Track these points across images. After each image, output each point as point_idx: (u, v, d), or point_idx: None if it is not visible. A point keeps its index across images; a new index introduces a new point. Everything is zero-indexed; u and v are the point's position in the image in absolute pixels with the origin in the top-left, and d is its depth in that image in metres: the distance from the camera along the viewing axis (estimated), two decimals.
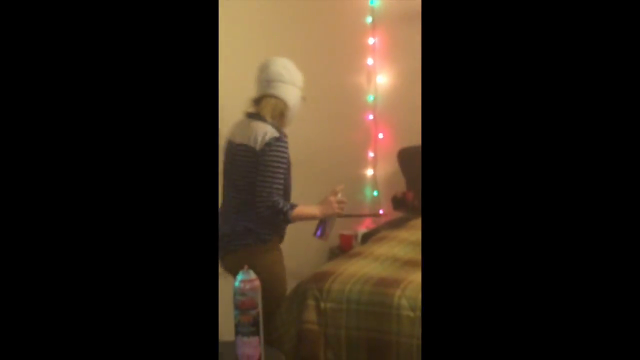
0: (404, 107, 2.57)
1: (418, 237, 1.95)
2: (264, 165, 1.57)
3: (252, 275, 1.21)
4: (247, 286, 1.19)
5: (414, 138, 2.31)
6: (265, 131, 1.58)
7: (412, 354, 1.53)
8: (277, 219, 1.57)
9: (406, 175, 2.58)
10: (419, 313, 1.52)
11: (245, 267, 1.24)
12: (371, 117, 2.73)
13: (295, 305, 1.65)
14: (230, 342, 1.24)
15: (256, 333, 1.20)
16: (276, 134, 1.57)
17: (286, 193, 1.65)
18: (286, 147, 1.58)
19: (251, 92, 1.75)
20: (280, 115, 1.64)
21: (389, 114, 2.72)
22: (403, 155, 2.57)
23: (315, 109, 2.05)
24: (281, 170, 1.58)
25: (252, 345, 1.20)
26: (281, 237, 1.67)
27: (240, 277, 1.20)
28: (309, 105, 1.90)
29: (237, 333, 1.20)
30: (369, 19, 2.64)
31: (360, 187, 2.75)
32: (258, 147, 1.55)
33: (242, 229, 1.59)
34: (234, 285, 1.20)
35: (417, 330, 1.50)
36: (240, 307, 1.19)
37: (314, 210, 1.64)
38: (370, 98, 2.70)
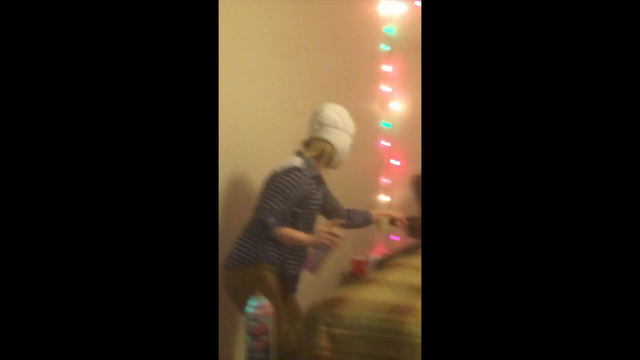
0: (419, 132, 2.56)
1: None
2: (272, 186, 1.63)
3: (265, 301, 1.20)
4: (260, 312, 1.19)
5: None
6: (292, 161, 1.65)
7: None
8: (262, 233, 1.59)
9: (418, 194, 2.57)
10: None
11: (257, 292, 1.24)
12: (388, 143, 2.74)
13: (307, 330, 1.63)
14: None
15: (267, 359, 1.21)
16: (297, 165, 1.62)
17: (290, 222, 1.65)
18: (301, 179, 1.61)
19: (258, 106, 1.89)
20: (328, 159, 1.71)
21: (404, 141, 2.74)
22: (417, 181, 2.55)
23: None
24: (282, 197, 1.60)
25: None
26: (274, 263, 1.66)
27: (253, 303, 1.20)
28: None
29: (249, 359, 1.21)
30: (384, 47, 2.67)
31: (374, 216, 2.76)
32: (279, 171, 1.62)
33: (238, 247, 1.68)
34: (246, 311, 1.21)
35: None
36: (253, 333, 1.19)
37: (302, 236, 1.63)
38: (384, 124, 2.71)
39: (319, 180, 1.77)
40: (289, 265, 1.73)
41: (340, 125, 1.74)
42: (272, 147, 2.14)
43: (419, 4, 2.53)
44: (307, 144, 1.75)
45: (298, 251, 1.72)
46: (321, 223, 1.74)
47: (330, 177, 2.05)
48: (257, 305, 1.21)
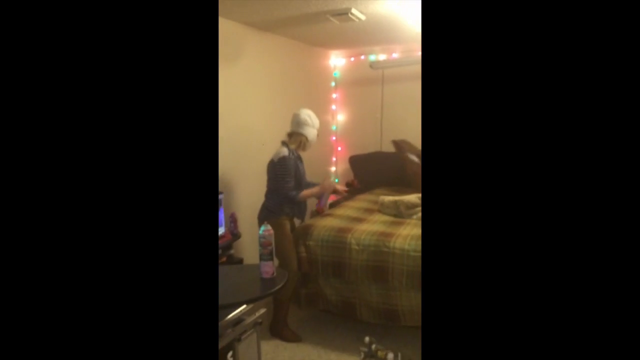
0: (354, 132, 4.13)
1: (361, 205, 3.00)
2: (277, 174, 2.35)
3: (269, 227, 1.76)
4: (266, 233, 1.73)
5: (358, 150, 3.93)
6: (280, 151, 2.36)
7: (357, 270, 2.32)
8: (292, 202, 2.38)
9: (353, 171, 3.91)
10: (362, 247, 2.31)
11: (265, 222, 1.85)
12: (334, 138, 4.23)
13: (295, 243, 2.47)
14: (256, 264, 1.79)
15: (271, 259, 1.72)
16: (285, 153, 2.33)
17: (299, 184, 2.41)
18: (288, 163, 2.31)
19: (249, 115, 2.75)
20: (302, 145, 2.45)
21: (344, 136, 4.20)
22: (351, 160, 3.96)
23: None
24: (288, 177, 2.33)
25: (269, 266, 1.72)
26: (288, 215, 2.41)
27: (262, 227, 1.76)
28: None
29: (260, 260, 1.73)
30: (333, 83, 4.17)
31: (327, 177, 4.12)
32: (275, 160, 2.37)
33: (265, 207, 2.43)
34: (259, 233, 1.75)
35: (361, 255, 2.31)
36: (263, 245, 1.72)
37: (315, 190, 2.46)
38: (333, 128, 4.23)
39: (300, 160, 2.44)
40: (295, 214, 2.47)
41: (309, 123, 2.41)
42: (265, 142, 2.97)
43: (353, 59, 4.07)
44: (290, 135, 2.43)
45: (300, 206, 2.46)
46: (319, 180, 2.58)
47: (305, 157, 2.61)
48: (265, 229, 1.74)
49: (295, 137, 2.43)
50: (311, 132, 2.44)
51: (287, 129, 2.48)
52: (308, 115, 2.44)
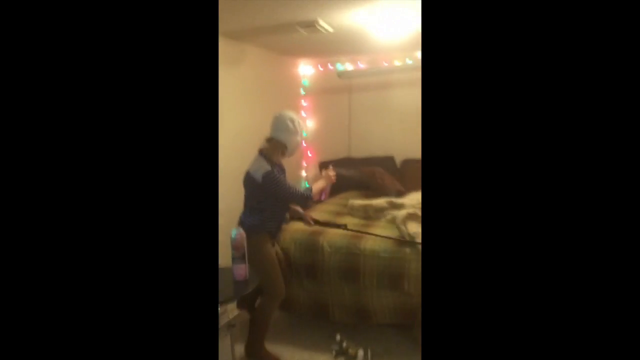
0: (323, 138, 4.20)
1: (332, 208, 3.02)
2: (274, 190, 2.06)
3: (241, 230, 1.80)
4: (238, 237, 1.78)
5: (328, 156, 4.01)
6: (260, 166, 2.06)
7: (330, 271, 2.36)
8: (308, 202, 2.23)
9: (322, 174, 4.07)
10: (334, 249, 2.35)
11: (237, 226, 1.87)
12: (304, 144, 4.29)
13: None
14: (228, 267, 1.81)
15: (244, 262, 1.78)
16: (268, 167, 2.04)
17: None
18: (277, 175, 2.06)
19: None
20: (279, 153, 2.13)
21: (314, 142, 4.28)
22: (321, 165, 4.02)
23: None
24: (284, 183, 2.09)
25: (241, 269, 1.77)
26: (270, 232, 2.15)
27: (234, 231, 1.79)
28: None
29: (233, 263, 1.77)
30: (302, 91, 4.27)
31: (298, 182, 4.22)
32: (260, 180, 2.04)
33: (248, 224, 2.10)
34: (231, 237, 1.77)
35: (333, 257, 2.35)
36: (235, 248, 1.77)
37: (321, 184, 2.26)
38: (304, 134, 4.38)
39: (283, 172, 2.23)
40: (274, 228, 2.21)
41: (291, 129, 2.08)
42: (246, 145, 2.79)
43: (321, 68, 4.15)
44: (269, 142, 2.12)
45: (280, 220, 2.24)
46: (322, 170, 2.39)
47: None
48: (237, 233, 1.79)
49: (274, 144, 2.12)
50: (293, 140, 2.12)
51: (257, 138, 2.42)
52: (291, 119, 2.10)
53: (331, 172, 2.28)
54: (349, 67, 4.06)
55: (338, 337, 2.36)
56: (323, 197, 2.36)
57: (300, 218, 2.49)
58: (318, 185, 2.25)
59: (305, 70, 4.27)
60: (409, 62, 3.72)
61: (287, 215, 2.43)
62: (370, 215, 2.89)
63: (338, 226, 2.47)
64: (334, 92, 4.19)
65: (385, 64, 3.86)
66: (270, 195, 2.10)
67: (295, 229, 2.54)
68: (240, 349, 2.32)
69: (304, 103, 4.32)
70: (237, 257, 1.76)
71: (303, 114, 4.32)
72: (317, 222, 2.47)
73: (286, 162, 2.35)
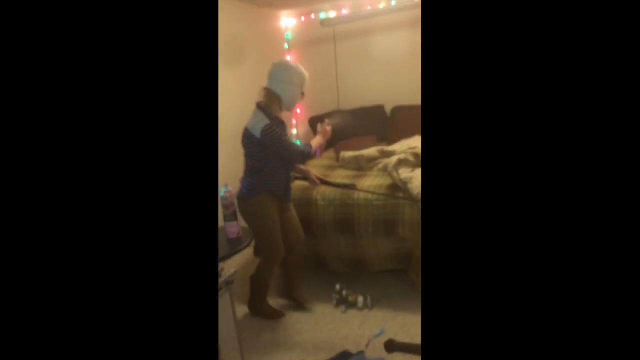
0: (311, 93, 4.13)
1: (323, 162, 3.05)
2: (273, 146, 1.94)
3: (230, 188, 1.77)
4: (227, 195, 1.78)
5: (317, 111, 3.93)
6: (258, 121, 1.93)
7: (325, 224, 2.40)
8: (308, 159, 2.09)
9: (314, 132, 3.82)
10: (327, 202, 2.39)
11: (226, 184, 1.75)
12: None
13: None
14: (222, 227, 1.81)
15: (235, 219, 1.81)
16: (267, 121, 1.92)
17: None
18: (276, 129, 1.93)
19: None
20: (277, 105, 1.98)
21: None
22: (311, 121, 3.96)
23: (257, 91, 3.18)
24: (284, 138, 1.95)
25: (234, 226, 1.80)
26: (272, 192, 2.05)
27: (223, 189, 1.76)
28: (257, 87, 2.91)
29: (225, 221, 1.79)
30: (286, 45, 4.14)
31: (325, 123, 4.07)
32: (259, 136, 1.94)
33: (244, 186, 2.07)
34: (220, 195, 1.73)
35: (327, 210, 2.38)
36: (225, 206, 1.77)
37: (319, 139, 2.16)
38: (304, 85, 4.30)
39: (283, 125, 2.07)
40: (279, 188, 2.08)
41: (286, 79, 1.93)
42: (233, 106, 2.94)
43: (304, 18, 3.99)
44: (261, 92, 2.00)
45: (284, 179, 2.09)
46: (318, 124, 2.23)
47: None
48: (226, 190, 1.78)
49: (270, 96, 1.98)
50: (288, 91, 1.97)
51: (243, 98, 2.35)
52: (285, 67, 1.96)
53: (328, 127, 2.18)
54: (332, 15, 3.89)
55: (338, 287, 2.41)
56: (319, 153, 2.43)
57: (305, 178, 2.39)
58: (317, 141, 2.16)
59: (288, 22, 4.12)
60: (394, 3, 3.56)
61: (292, 175, 2.31)
62: (362, 165, 2.88)
63: (346, 186, 2.38)
64: (319, 43, 4.05)
65: (370, 8, 3.69)
66: (269, 153, 1.98)
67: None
68: (240, 306, 2.38)
69: (288, 57, 4.20)
70: (228, 215, 1.77)
71: None
72: (324, 182, 2.38)
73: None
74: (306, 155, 2.06)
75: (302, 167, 2.31)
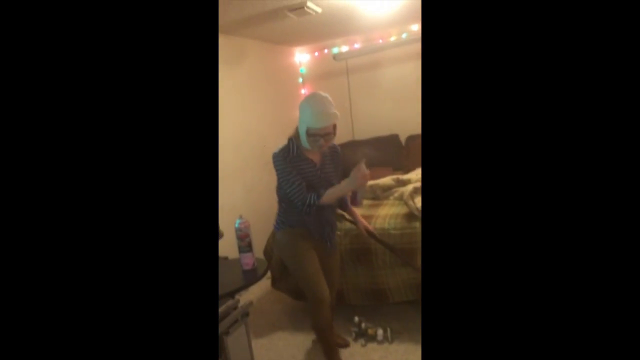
0: None
1: None
2: (278, 177, 1.81)
3: (245, 219, 1.74)
4: (242, 226, 1.75)
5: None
6: (278, 147, 1.80)
7: (342, 255, 2.25)
8: (311, 210, 1.77)
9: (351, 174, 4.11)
10: (343, 231, 2.31)
11: (240, 215, 1.77)
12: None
13: (274, 237, 2.23)
14: (236, 259, 1.81)
15: (250, 250, 1.76)
16: (276, 150, 1.79)
17: (312, 185, 1.78)
18: (282, 159, 1.74)
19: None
20: (296, 138, 1.80)
21: None
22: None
23: (274, 126, 3.46)
24: (284, 174, 1.74)
25: (248, 257, 1.77)
26: (307, 227, 1.87)
27: (238, 220, 1.74)
28: (274, 123, 3.19)
29: (240, 252, 1.76)
30: (300, 79, 4.27)
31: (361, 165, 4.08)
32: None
33: (276, 218, 1.96)
34: (235, 226, 1.72)
35: (343, 240, 2.31)
36: (240, 237, 1.75)
37: (342, 188, 1.76)
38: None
39: (301, 158, 1.79)
40: (305, 224, 1.87)
41: (301, 117, 1.74)
42: (248, 139, 3.21)
43: (317, 54, 4.14)
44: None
45: (315, 217, 1.85)
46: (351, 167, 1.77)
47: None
48: (240, 222, 1.75)
49: (294, 131, 1.83)
50: (301, 127, 1.75)
51: (260, 131, 2.39)
52: (301, 106, 1.73)
53: (362, 171, 1.70)
54: (344, 49, 4.00)
55: (356, 319, 2.36)
56: (357, 202, 1.94)
57: (354, 222, 2.17)
58: (336, 190, 1.78)
59: (302, 57, 4.25)
60: (404, 36, 3.65)
61: (340, 215, 2.10)
62: (378, 194, 2.87)
63: (393, 249, 2.19)
64: (332, 76, 4.15)
65: (381, 41, 3.79)
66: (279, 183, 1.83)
67: None
68: (255, 339, 2.33)
69: (303, 91, 4.31)
70: (243, 246, 1.76)
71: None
72: (371, 234, 2.14)
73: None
74: (308, 205, 1.75)
75: (353, 209, 2.05)
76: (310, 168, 1.82)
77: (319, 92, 1.77)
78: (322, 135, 1.72)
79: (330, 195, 1.77)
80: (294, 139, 1.82)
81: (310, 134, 1.72)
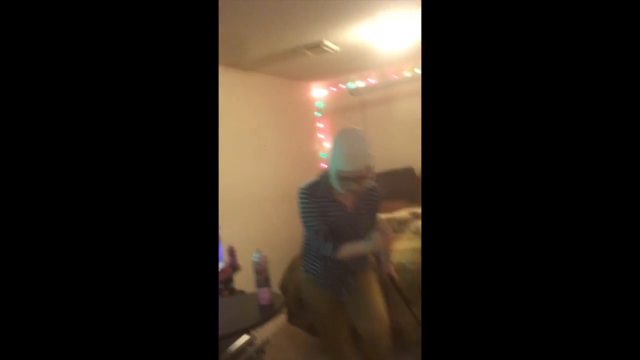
0: None
1: None
2: (301, 215, 1.63)
3: (262, 253, 1.71)
4: (260, 260, 1.74)
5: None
6: (305, 183, 1.62)
7: None
8: (327, 262, 1.67)
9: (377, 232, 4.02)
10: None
11: (258, 249, 1.73)
12: (324, 166, 4.32)
13: (291, 271, 2.61)
14: (253, 293, 1.78)
15: (267, 285, 1.73)
16: (304, 185, 1.62)
17: (338, 231, 1.61)
18: (308, 197, 1.57)
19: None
20: (327, 177, 1.60)
21: None
22: None
23: (297, 158, 3.55)
24: (309, 217, 1.58)
25: (265, 292, 1.73)
26: (319, 273, 1.73)
27: (256, 254, 1.72)
28: (298, 154, 3.21)
29: (257, 286, 1.74)
30: (317, 113, 4.33)
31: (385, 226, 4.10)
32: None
33: (303, 260, 1.82)
34: (253, 260, 1.71)
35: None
36: (257, 272, 1.73)
37: (359, 248, 1.59)
38: (322, 155, 4.38)
39: (330, 199, 1.62)
40: (327, 273, 1.71)
41: (333, 157, 1.55)
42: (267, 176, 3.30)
43: (334, 88, 4.22)
44: None
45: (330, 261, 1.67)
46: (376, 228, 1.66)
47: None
48: (258, 256, 1.74)
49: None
50: (330, 169, 1.58)
51: (279, 167, 2.36)
52: (339, 139, 1.57)
53: (388, 232, 1.55)
54: (360, 84, 4.09)
55: None
56: (381, 267, 1.81)
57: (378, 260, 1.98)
58: (352, 247, 1.60)
59: (318, 92, 4.35)
60: (418, 71, 3.72)
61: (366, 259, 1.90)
62: (394, 228, 2.85)
63: (407, 300, 1.99)
64: (348, 110, 4.22)
65: (395, 77, 3.87)
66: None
67: None
68: None
69: (320, 125, 4.38)
70: (260, 280, 1.75)
71: (321, 136, 4.39)
72: (392, 281, 1.94)
73: (309, 177, 1.89)
74: (322, 252, 1.64)
75: (383, 249, 1.77)
76: (338, 212, 1.62)
77: (354, 128, 1.61)
78: (353, 178, 1.52)
79: (346, 252, 1.60)
80: (325, 177, 1.61)
81: (341, 176, 1.52)
